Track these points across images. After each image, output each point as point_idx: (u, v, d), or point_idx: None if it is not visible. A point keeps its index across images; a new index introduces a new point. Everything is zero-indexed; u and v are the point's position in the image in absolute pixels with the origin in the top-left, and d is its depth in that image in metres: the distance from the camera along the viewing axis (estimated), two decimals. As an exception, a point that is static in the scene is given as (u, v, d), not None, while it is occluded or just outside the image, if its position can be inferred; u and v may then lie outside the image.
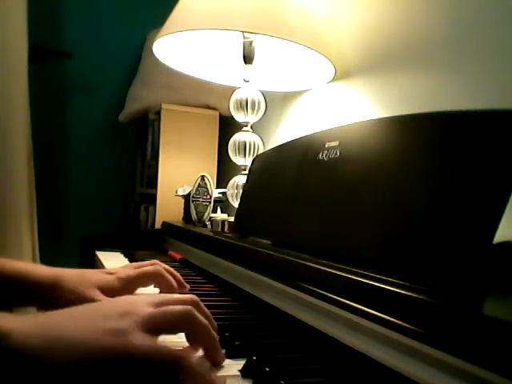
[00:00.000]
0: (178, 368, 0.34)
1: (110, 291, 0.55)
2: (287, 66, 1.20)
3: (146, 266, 0.63)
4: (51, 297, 0.53)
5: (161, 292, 0.61)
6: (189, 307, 0.39)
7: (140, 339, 0.35)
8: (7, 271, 0.54)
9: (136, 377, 0.34)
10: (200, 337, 0.40)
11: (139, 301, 0.40)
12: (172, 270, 0.64)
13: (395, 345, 0.38)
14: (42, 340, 0.32)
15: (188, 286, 0.65)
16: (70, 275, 0.55)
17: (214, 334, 0.40)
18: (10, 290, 0.54)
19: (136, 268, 0.62)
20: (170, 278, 0.61)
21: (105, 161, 2.01)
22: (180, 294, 0.56)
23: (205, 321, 0.40)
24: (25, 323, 0.33)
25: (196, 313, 0.39)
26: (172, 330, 0.39)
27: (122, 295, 0.47)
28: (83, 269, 0.59)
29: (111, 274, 0.59)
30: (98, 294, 0.54)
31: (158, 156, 1.59)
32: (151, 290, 0.63)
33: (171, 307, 0.39)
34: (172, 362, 0.34)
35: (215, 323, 0.43)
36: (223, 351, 0.42)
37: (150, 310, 0.38)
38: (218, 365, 0.40)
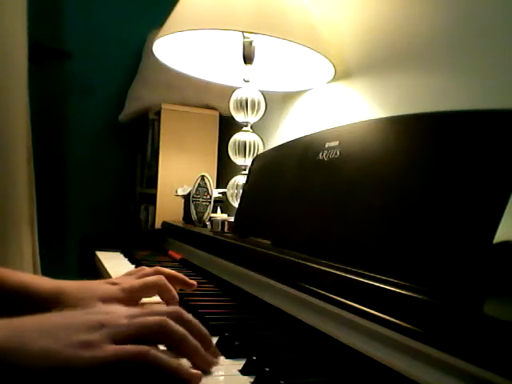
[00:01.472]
0: (150, 360, 0.34)
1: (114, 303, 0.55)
2: (287, 65, 1.20)
3: (149, 273, 0.62)
4: (53, 310, 0.53)
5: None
6: (163, 318, 0.38)
7: (107, 350, 0.34)
8: (10, 284, 0.54)
9: (117, 379, 0.34)
10: (177, 347, 0.39)
11: (116, 312, 0.40)
12: (175, 272, 0.64)
13: (395, 344, 0.38)
14: (5, 343, 0.32)
15: (195, 283, 0.65)
16: (72, 288, 0.55)
17: (194, 342, 0.39)
18: (12, 302, 0.54)
19: (138, 277, 0.61)
20: (172, 289, 0.60)
21: (105, 161, 2.01)
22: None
23: (181, 331, 0.39)
24: None
25: (171, 323, 0.38)
26: (145, 341, 0.37)
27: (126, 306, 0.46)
28: (86, 280, 0.59)
29: (114, 284, 0.59)
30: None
31: (157, 156, 1.59)
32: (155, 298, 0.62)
33: (144, 318, 0.39)
34: (140, 355, 0.34)
35: (204, 330, 0.42)
36: (219, 355, 0.41)
37: (124, 321, 0.38)
38: (206, 372, 0.39)
